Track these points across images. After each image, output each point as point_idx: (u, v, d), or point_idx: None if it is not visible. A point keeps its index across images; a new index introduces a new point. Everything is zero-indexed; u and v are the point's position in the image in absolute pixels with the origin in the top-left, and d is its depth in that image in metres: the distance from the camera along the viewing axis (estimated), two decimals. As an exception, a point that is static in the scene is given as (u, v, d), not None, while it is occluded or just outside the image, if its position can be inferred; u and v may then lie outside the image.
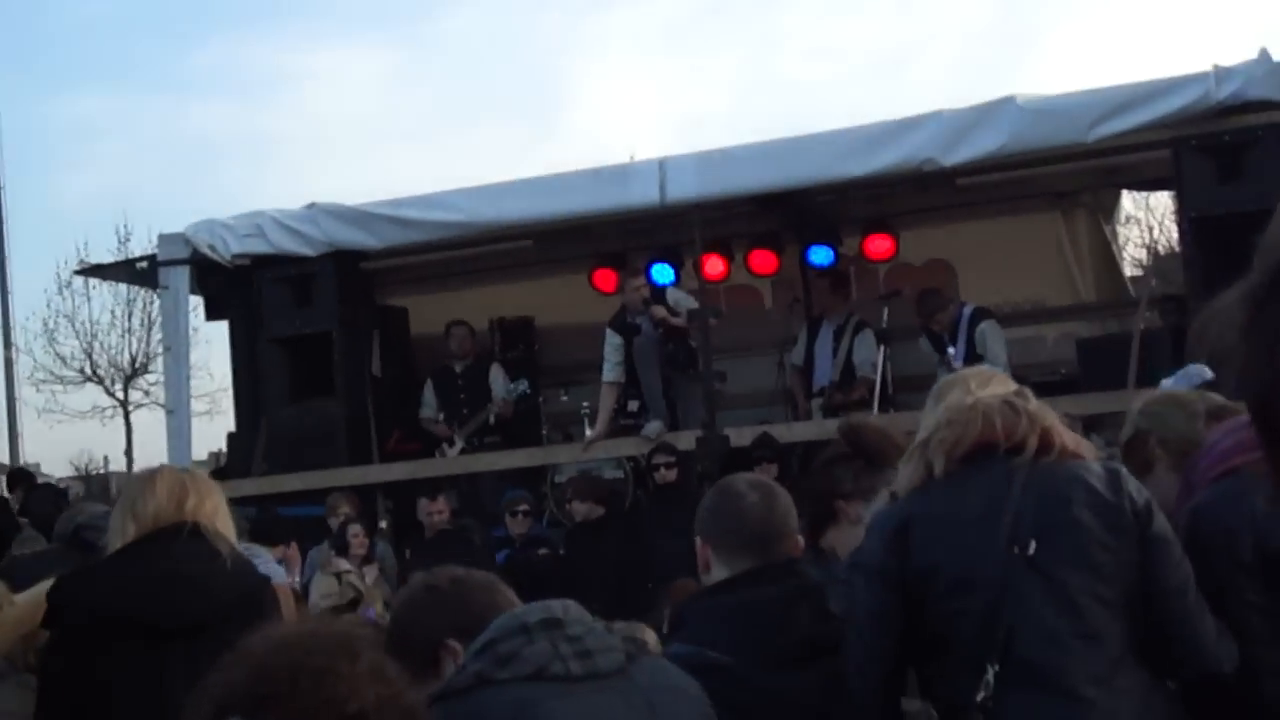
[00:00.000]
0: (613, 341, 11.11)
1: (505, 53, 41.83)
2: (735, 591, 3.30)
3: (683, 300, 11.15)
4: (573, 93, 40.89)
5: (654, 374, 10.93)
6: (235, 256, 11.42)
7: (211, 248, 11.37)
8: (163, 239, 11.60)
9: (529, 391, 11.91)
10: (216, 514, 4.21)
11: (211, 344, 20.98)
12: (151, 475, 4.28)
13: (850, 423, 4.21)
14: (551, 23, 42.04)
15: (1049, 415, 3.35)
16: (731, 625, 3.25)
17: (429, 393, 12.12)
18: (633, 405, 11.12)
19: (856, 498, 3.95)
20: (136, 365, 28.93)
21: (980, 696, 3.09)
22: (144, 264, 11.90)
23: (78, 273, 12.84)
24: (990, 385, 3.56)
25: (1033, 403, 3.38)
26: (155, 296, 27.35)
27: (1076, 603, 3.13)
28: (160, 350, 25.24)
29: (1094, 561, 3.16)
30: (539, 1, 42.00)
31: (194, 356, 13.01)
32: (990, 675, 3.09)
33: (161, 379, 22.50)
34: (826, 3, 41.68)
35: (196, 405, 14.59)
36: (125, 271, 12.65)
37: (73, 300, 28.51)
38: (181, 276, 11.51)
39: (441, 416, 12.04)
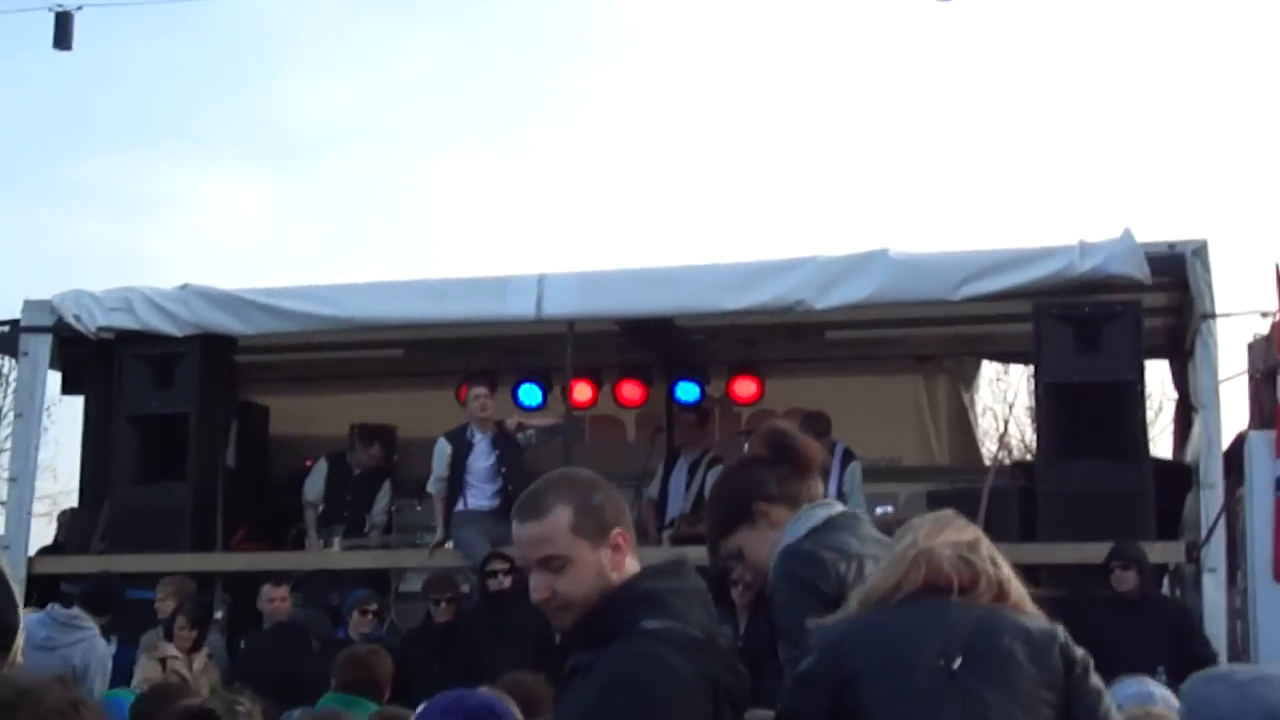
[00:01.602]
0: (442, 450, 11.03)
1: (386, 199, 41.86)
2: (681, 577, 3.23)
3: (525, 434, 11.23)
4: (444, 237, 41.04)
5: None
6: (100, 329, 11.26)
7: (77, 318, 11.22)
8: (27, 305, 11.43)
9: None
10: None
11: (60, 445, 20.40)
12: None
13: (775, 427, 4.14)
14: (435, 170, 42.39)
15: (1004, 567, 3.43)
16: (699, 607, 3.18)
17: (319, 476, 11.99)
18: None
19: (781, 503, 3.93)
20: (-23, 452, 28.05)
21: None
22: (5, 328, 11.70)
23: (-63, 334, 12.47)
24: (943, 534, 3.52)
25: (985, 552, 3.43)
26: (7, 390, 26.96)
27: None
28: (7, 446, 24.75)
29: (1017, 687, 3.23)
30: (424, 149, 42.35)
31: (41, 456, 12.74)
32: None
33: (3, 474, 21.89)
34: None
35: (37, 507, 14.08)
36: (-15, 335, 12.42)
37: (-81, 384, 27.86)
38: (43, 344, 11.33)
39: (322, 508, 11.93)
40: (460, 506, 10.97)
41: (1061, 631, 3.36)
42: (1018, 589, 3.41)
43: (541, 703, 4.77)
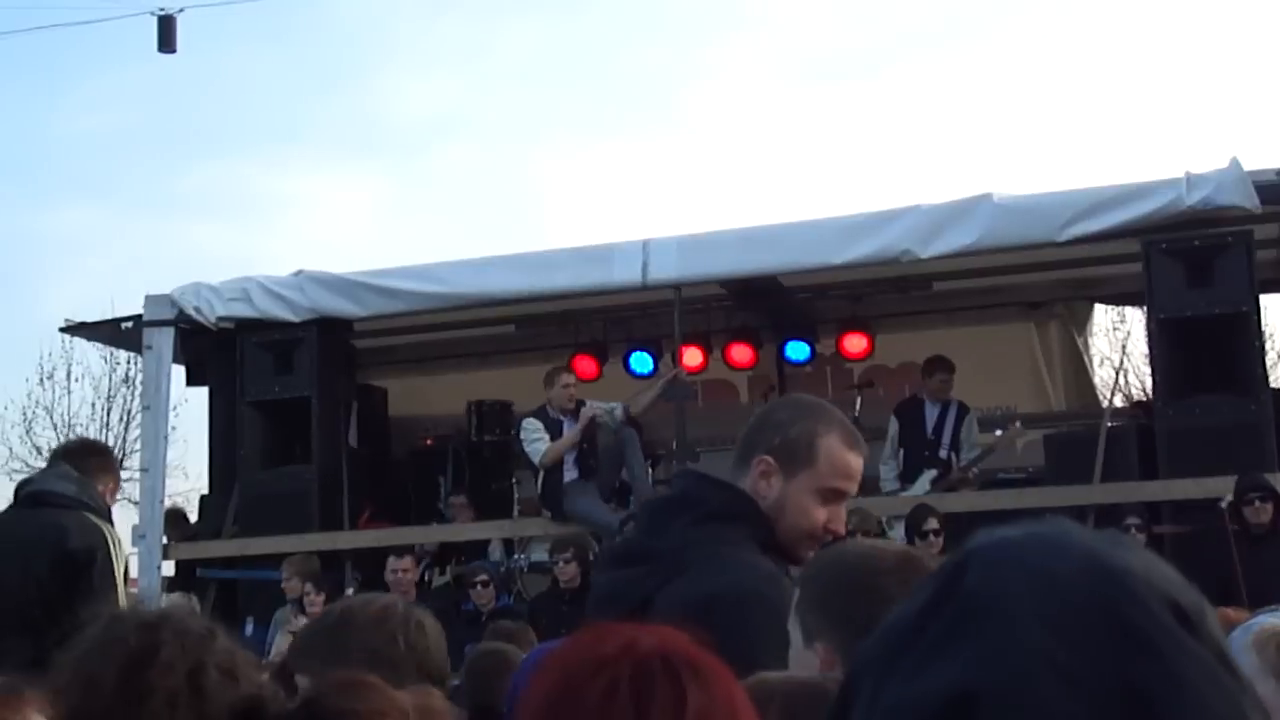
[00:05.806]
0: (536, 423, 10.99)
1: (493, 188, 42.05)
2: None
3: (602, 409, 11.13)
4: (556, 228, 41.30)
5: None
6: (220, 319, 11.54)
7: (197, 310, 11.51)
8: (149, 300, 11.72)
9: None
10: None
11: (189, 444, 20.85)
12: None
13: None
14: (541, 158, 42.60)
15: None
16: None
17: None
18: None
19: None
20: (111, 461, 28.76)
21: None
22: (129, 324, 12.03)
23: (63, 330, 12.81)
24: None
25: None
26: (135, 394, 27.57)
27: None
28: (137, 447, 25.30)
29: None
30: (528, 138, 42.50)
31: (170, 455, 13.05)
32: None
33: (135, 475, 22.33)
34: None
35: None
36: (110, 332, 12.75)
37: (53, 392, 28.59)
38: (165, 337, 11.62)
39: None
40: (568, 478, 11.03)
41: None
42: None
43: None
